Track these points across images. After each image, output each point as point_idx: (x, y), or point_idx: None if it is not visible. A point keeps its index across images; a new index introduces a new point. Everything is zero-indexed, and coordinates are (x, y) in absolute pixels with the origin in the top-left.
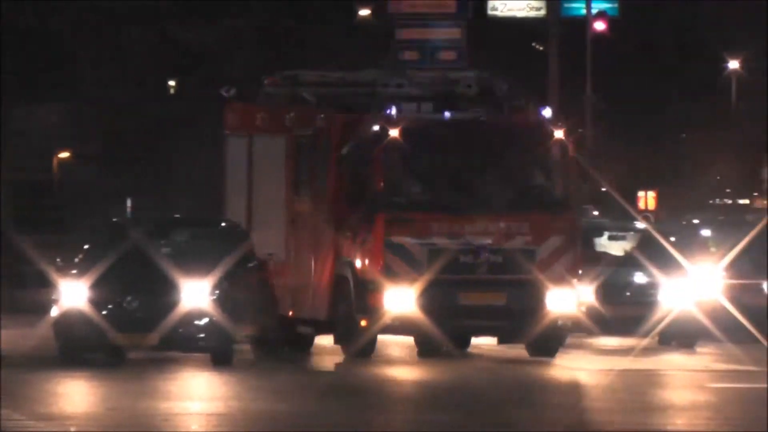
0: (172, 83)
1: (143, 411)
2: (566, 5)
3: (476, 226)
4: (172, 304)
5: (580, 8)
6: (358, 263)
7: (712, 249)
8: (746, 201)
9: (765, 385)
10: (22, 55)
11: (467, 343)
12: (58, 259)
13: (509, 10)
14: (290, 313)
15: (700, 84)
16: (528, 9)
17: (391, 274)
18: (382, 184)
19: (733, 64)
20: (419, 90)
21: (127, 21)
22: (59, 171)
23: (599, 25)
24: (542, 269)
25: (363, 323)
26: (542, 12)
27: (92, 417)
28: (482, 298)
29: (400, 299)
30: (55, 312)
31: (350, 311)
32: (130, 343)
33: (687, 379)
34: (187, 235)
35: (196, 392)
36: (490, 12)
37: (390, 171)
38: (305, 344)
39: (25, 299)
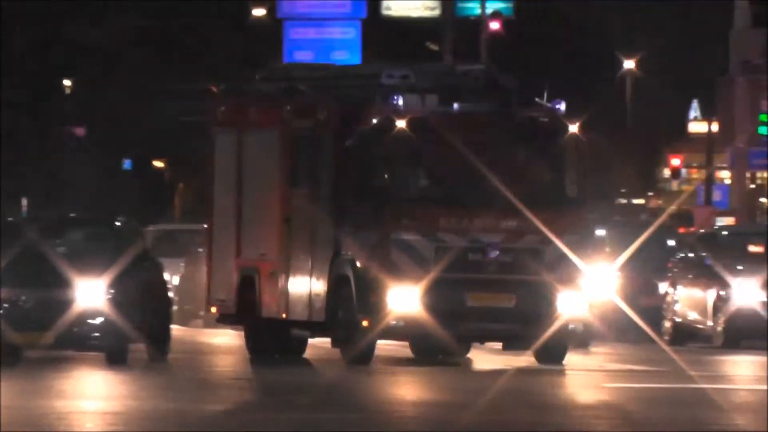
0: (67, 83)
1: (38, 410)
2: (461, 5)
3: (486, 223)
4: (66, 303)
5: (474, 8)
6: (360, 260)
7: (608, 249)
8: (641, 201)
9: (661, 385)
10: None
11: (467, 349)
12: None
13: (404, 9)
14: (283, 315)
15: (595, 84)
16: (423, 8)
17: (396, 271)
18: (388, 176)
19: (629, 64)
20: (425, 82)
21: (15, 20)
22: None
23: (494, 25)
24: (553, 270)
25: (365, 323)
26: (437, 12)
27: None
28: (491, 299)
29: (405, 298)
30: None
31: (351, 311)
32: (26, 341)
33: (583, 379)
34: (83, 234)
35: (91, 391)
36: (384, 12)
37: (397, 163)
38: (298, 349)
39: None
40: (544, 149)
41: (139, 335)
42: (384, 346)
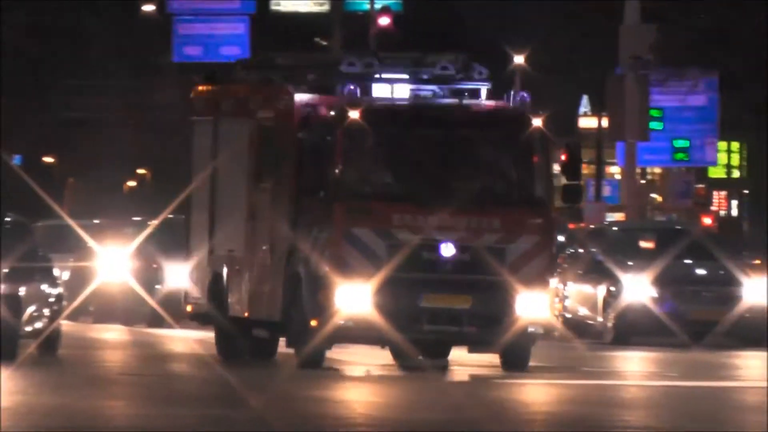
0: None
1: None
2: (349, 0)
3: (442, 220)
4: None
5: (363, 3)
6: (312, 258)
7: None
8: None
9: (553, 381)
10: None
11: (445, 353)
12: None
13: (293, 5)
14: (245, 314)
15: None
16: (312, 4)
17: (347, 269)
18: (340, 170)
19: (518, 60)
20: (393, 71)
21: None
22: None
23: (383, 20)
24: (513, 270)
25: (313, 323)
26: (326, 7)
27: None
28: (446, 300)
29: (355, 298)
30: None
31: (301, 311)
32: None
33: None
34: None
35: None
36: (273, 7)
37: (350, 156)
38: (268, 349)
39: None
40: (506, 144)
41: (29, 330)
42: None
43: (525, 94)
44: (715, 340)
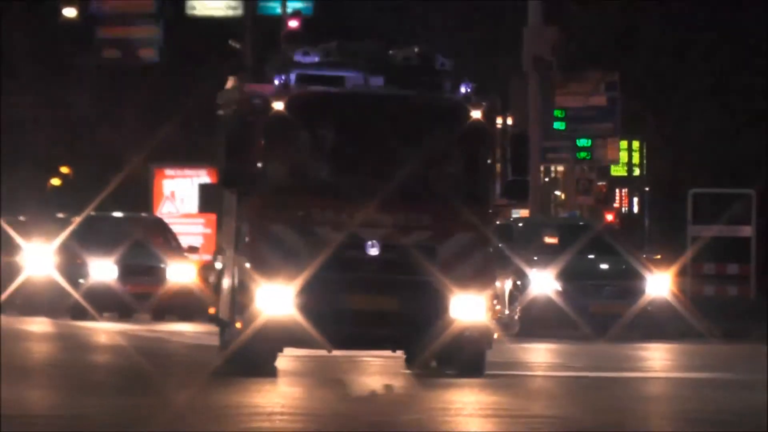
0: None
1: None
2: (262, 4)
3: (368, 217)
4: None
5: (275, 7)
6: (237, 256)
7: None
8: None
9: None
10: None
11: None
12: None
13: (207, 9)
14: (221, 314)
15: None
16: (226, 8)
17: (266, 268)
18: (259, 164)
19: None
20: (349, 61)
21: None
22: None
23: (292, 23)
24: (445, 270)
25: (238, 325)
26: (239, 11)
27: None
28: (371, 301)
29: (276, 299)
30: None
31: (231, 312)
32: None
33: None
34: None
35: None
36: (189, 11)
37: (270, 150)
38: None
39: None
40: (442, 136)
41: None
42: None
43: (468, 84)
44: (618, 332)
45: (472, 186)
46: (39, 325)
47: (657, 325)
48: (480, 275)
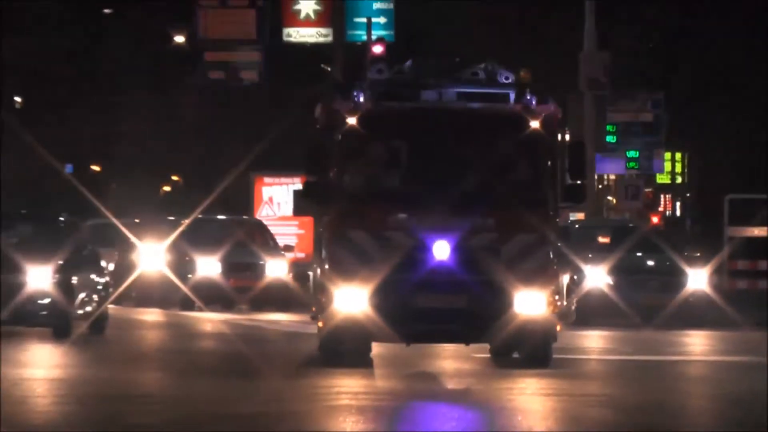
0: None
1: (22, 387)
2: (350, 32)
3: (436, 222)
4: (19, 286)
5: (361, 35)
6: (318, 260)
7: None
8: None
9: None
10: None
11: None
12: None
13: (301, 36)
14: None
15: None
16: (317, 36)
17: (343, 271)
18: (337, 174)
19: None
20: (421, 77)
21: None
22: None
23: (377, 49)
24: (508, 269)
25: (320, 324)
26: (329, 38)
27: None
28: (441, 300)
29: (352, 299)
30: None
31: (316, 312)
32: None
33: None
34: (31, 227)
35: (40, 361)
36: (285, 38)
37: (346, 160)
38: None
39: None
40: (504, 144)
41: (81, 313)
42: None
43: (529, 97)
44: (663, 321)
45: (534, 190)
46: (151, 315)
47: (696, 314)
48: (542, 272)
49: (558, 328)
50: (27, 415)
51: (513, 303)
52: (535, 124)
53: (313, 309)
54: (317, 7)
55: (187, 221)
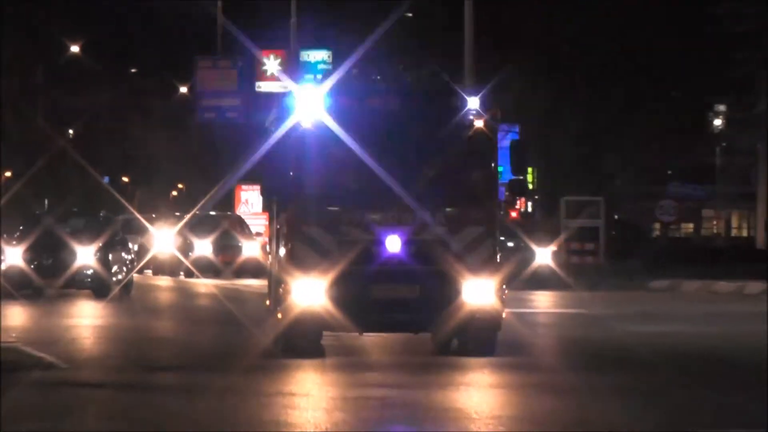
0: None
1: (52, 326)
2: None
3: (389, 218)
4: (70, 261)
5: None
6: (275, 255)
7: None
8: None
9: None
10: None
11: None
12: (4, 235)
13: (268, 87)
14: (267, 302)
15: None
16: (280, 87)
17: (301, 264)
18: (293, 175)
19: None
20: (369, 83)
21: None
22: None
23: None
24: (457, 260)
25: (279, 316)
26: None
27: (24, 330)
28: (395, 290)
29: (309, 291)
30: (2, 266)
31: (274, 305)
32: (46, 284)
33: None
34: (80, 221)
35: (86, 313)
36: (257, 89)
37: (301, 162)
38: None
39: None
40: (450, 144)
41: (114, 280)
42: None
43: (471, 97)
44: (519, 284)
45: (479, 186)
46: (164, 281)
47: (543, 280)
48: (489, 263)
49: (503, 315)
50: (75, 351)
51: (462, 292)
52: (479, 123)
53: (269, 303)
54: (279, 67)
55: (188, 216)
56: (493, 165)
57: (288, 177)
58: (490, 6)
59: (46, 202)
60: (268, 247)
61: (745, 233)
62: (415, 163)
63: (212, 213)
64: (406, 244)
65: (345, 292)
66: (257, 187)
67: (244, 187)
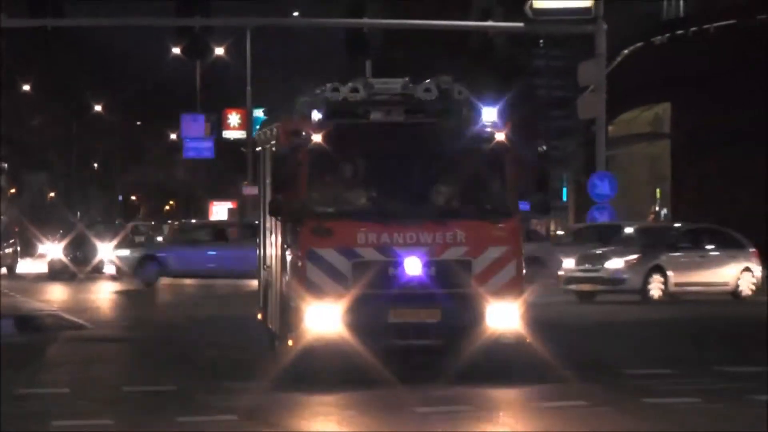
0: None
1: (83, 300)
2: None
3: (407, 236)
4: (94, 255)
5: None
6: (285, 277)
7: None
8: None
9: None
10: None
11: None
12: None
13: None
14: (260, 316)
15: None
16: (240, 135)
17: (314, 288)
18: (305, 191)
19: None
20: (378, 96)
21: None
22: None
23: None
24: (480, 282)
25: (290, 343)
26: (245, 135)
27: (62, 301)
28: (414, 314)
29: (324, 317)
30: (48, 258)
31: (283, 330)
32: (79, 271)
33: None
34: (102, 226)
35: (107, 290)
36: (224, 136)
37: (314, 178)
38: None
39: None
40: (469, 158)
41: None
42: None
43: (489, 109)
44: None
45: (501, 202)
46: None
47: None
48: (512, 284)
49: (527, 339)
50: (98, 316)
51: (485, 316)
52: (500, 136)
53: (260, 316)
54: (239, 121)
55: (176, 224)
56: (515, 177)
57: (298, 195)
58: None
59: (78, 213)
60: (260, 256)
61: None
62: (432, 178)
63: (193, 221)
64: (426, 265)
65: (362, 317)
66: (224, 203)
67: (215, 203)
